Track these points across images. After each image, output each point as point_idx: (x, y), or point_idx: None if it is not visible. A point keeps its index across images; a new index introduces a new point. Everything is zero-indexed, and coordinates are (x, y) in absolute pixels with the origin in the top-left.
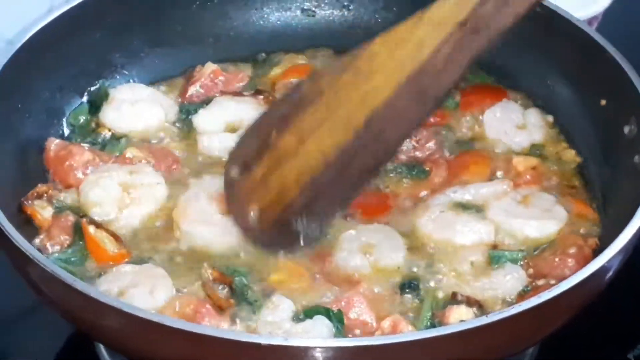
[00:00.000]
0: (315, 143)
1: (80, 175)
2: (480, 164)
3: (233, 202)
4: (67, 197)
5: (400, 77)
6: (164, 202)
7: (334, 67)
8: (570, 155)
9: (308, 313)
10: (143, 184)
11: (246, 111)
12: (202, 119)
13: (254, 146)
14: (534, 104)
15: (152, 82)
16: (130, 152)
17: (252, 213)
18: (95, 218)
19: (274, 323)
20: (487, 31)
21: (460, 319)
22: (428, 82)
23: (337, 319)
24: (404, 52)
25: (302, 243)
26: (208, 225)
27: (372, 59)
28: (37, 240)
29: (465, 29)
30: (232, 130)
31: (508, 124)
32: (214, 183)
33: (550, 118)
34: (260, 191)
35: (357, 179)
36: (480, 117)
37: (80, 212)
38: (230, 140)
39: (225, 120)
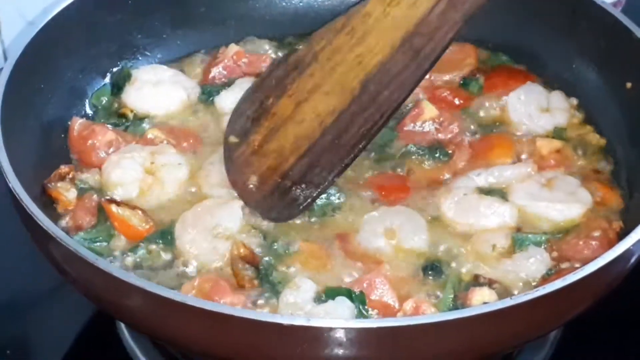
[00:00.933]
0: (312, 108)
1: (102, 155)
2: (503, 147)
3: (232, 168)
4: (89, 178)
5: (395, 37)
6: (185, 181)
7: (329, 28)
8: (595, 139)
9: (330, 294)
10: (165, 165)
11: None
12: (224, 100)
13: (251, 112)
14: (559, 87)
15: (174, 63)
16: (152, 133)
17: (251, 180)
18: (117, 198)
19: (296, 304)
20: None
21: (483, 301)
22: (422, 41)
23: (359, 300)
24: (397, 10)
25: (300, 209)
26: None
27: (366, 18)
28: (62, 222)
29: None
30: None
31: (532, 106)
32: None
33: (575, 101)
34: (259, 158)
35: (354, 144)
36: (504, 100)
37: (102, 193)
38: None
39: None
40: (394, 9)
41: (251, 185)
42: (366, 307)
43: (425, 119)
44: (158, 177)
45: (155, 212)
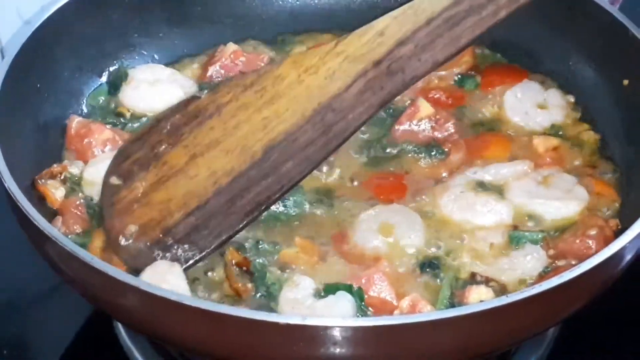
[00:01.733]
0: (207, 164)
1: (97, 153)
2: (500, 145)
3: (109, 213)
4: (77, 171)
5: (306, 107)
6: None
7: (237, 82)
8: (591, 136)
9: (329, 290)
10: None
11: None
12: None
13: (140, 155)
14: (555, 84)
15: (171, 62)
16: None
17: (128, 229)
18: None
19: (296, 300)
20: (402, 75)
21: (480, 299)
22: (335, 118)
23: (358, 295)
24: (313, 80)
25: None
26: None
27: (279, 81)
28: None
29: (380, 69)
30: None
31: (529, 104)
32: None
33: (572, 98)
34: (141, 207)
35: (247, 212)
36: (501, 98)
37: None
38: None
39: None
40: (309, 77)
41: (129, 236)
42: (364, 303)
43: (421, 117)
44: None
45: None
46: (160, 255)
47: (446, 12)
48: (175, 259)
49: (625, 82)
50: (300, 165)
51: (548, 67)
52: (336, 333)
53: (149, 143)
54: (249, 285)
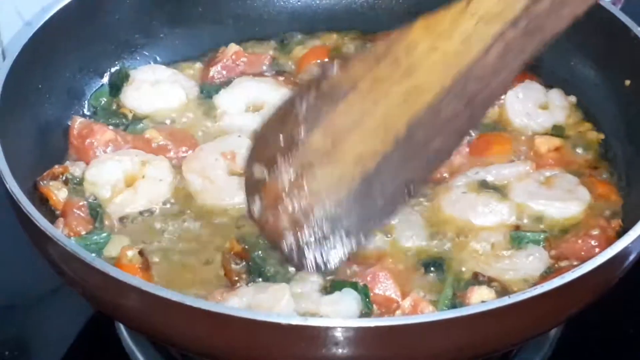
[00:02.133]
0: (351, 147)
1: (99, 153)
2: (501, 145)
3: (255, 203)
4: (78, 173)
5: (446, 77)
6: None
7: (367, 54)
8: (593, 136)
9: (336, 286)
10: (146, 177)
11: (267, 92)
12: (223, 99)
13: (279, 141)
14: (557, 85)
15: (172, 63)
16: (149, 134)
17: (281, 221)
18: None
19: (302, 294)
20: (541, 33)
21: (482, 299)
22: (477, 86)
23: (363, 292)
24: (449, 46)
25: (314, 267)
26: (205, 179)
27: (412, 49)
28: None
29: (518, 28)
30: (254, 110)
31: (530, 104)
32: (231, 143)
33: (573, 99)
34: (290, 197)
35: (397, 195)
36: (502, 98)
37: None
38: (252, 120)
39: (246, 100)
40: (444, 43)
41: (281, 227)
42: (369, 300)
43: None
44: (135, 187)
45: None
46: (311, 250)
47: None
48: (317, 255)
49: (627, 82)
50: (448, 141)
51: (549, 68)
52: (338, 334)
53: (287, 127)
54: (244, 275)
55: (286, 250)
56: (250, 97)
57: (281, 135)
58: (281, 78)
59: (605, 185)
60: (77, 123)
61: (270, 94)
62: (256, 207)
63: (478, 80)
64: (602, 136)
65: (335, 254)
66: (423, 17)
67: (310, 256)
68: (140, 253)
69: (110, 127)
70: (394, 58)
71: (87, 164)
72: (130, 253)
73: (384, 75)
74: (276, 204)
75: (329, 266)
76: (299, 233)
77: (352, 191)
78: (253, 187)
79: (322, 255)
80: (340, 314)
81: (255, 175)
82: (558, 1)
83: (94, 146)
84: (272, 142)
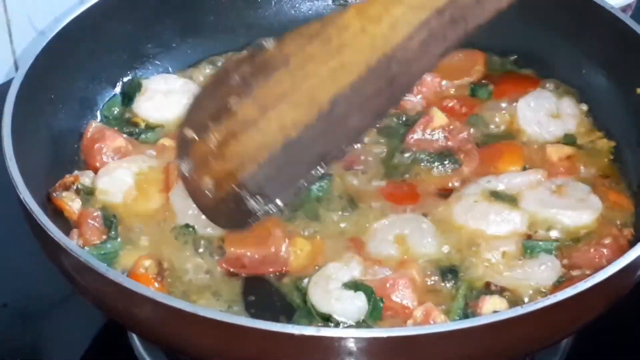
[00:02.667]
0: (277, 117)
1: (106, 159)
2: (513, 154)
3: (185, 164)
4: (86, 181)
5: (371, 57)
6: None
7: (302, 32)
8: (605, 144)
9: (353, 286)
10: (154, 182)
11: None
12: None
13: (212, 107)
14: (568, 93)
15: (184, 70)
16: (164, 142)
17: (205, 182)
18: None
19: (329, 277)
20: (464, 23)
21: (494, 309)
22: (398, 69)
23: (374, 304)
24: (377, 29)
25: (250, 222)
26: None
27: (343, 30)
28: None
29: (443, 17)
30: None
31: (542, 113)
32: None
33: (585, 107)
34: (217, 160)
35: (313, 163)
36: (514, 107)
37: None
38: None
39: None
40: (373, 26)
41: (205, 188)
42: (378, 310)
43: (435, 127)
44: (145, 191)
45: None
46: (237, 208)
47: None
48: (248, 210)
49: (638, 90)
50: (366, 118)
51: (561, 76)
52: (351, 344)
53: (220, 94)
54: None
55: (205, 206)
56: None
57: (214, 102)
58: None
59: (617, 193)
60: (92, 128)
61: None
62: (184, 167)
63: (400, 64)
64: (613, 144)
65: (264, 208)
66: (355, 5)
67: (225, 214)
68: (157, 263)
69: (125, 135)
70: (327, 37)
71: (95, 171)
72: (146, 263)
73: (315, 53)
74: (202, 165)
75: (242, 227)
76: (220, 192)
77: (273, 157)
78: (184, 147)
79: (239, 212)
80: (341, 313)
81: (186, 137)
82: None
83: (102, 151)
84: (205, 108)
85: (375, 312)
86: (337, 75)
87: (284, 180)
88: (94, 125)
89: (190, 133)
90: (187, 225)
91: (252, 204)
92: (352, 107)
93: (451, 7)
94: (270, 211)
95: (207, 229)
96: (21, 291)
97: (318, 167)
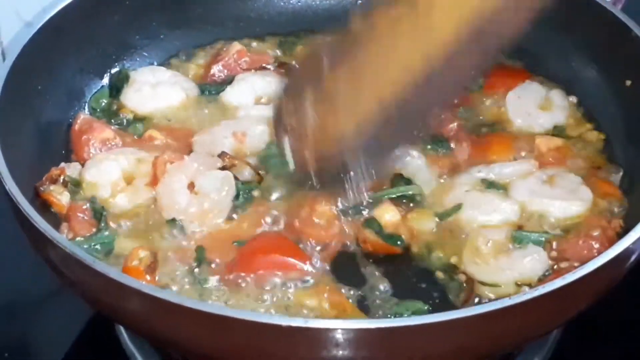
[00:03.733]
0: (371, 86)
1: (94, 151)
2: (503, 144)
3: (282, 132)
4: (73, 172)
5: (460, 17)
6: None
7: (387, 8)
8: (594, 136)
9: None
10: (145, 175)
11: (272, 84)
12: (232, 95)
13: (308, 79)
14: (558, 85)
15: (173, 59)
16: (150, 133)
17: (307, 152)
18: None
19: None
20: None
21: (480, 298)
22: (490, 29)
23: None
24: None
25: (352, 191)
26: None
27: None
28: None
29: None
30: (259, 103)
31: (531, 104)
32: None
33: (574, 99)
34: (316, 131)
35: (409, 128)
36: (503, 99)
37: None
38: (267, 110)
39: (254, 94)
40: None
41: (308, 157)
42: None
43: None
44: (134, 185)
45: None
46: (346, 177)
47: None
48: (346, 180)
49: (628, 82)
50: (457, 78)
51: (550, 68)
52: (339, 335)
53: (313, 71)
54: None
55: (307, 176)
56: (257, 90)
57: (308, 78)
58: (282, 70)
59: (607, 185)
60: (80, 119)
61: (275, 86)
62: (281, 136)
63: (492, 23)
64: (603, 136)
65: (354, 184)
66: None
67: (323, 182)
68: (152, 254)
69: (113, 127)
70: (412, 1)
71: (82, 163)
72: (142, 253)
73: (402, 16)
74: (302, 136)
75: (338, 192)
76: (321, 162)
77: (370, 125)
78: (284, 119)
79: (337, 180)
80: None
81: (286, 108)
82: None
83: (90, 143)
84: (300, 84)
85: None
86: (427, 37)
87: (381, 148)
88: (82, 117)
89: (289, 110)
90: (173, 220)
91: (350, 172)
92: (445, 67)
93: None
94: (367, 179)
95: (192, 224)
96: (8, 285)
97: (414, 133)
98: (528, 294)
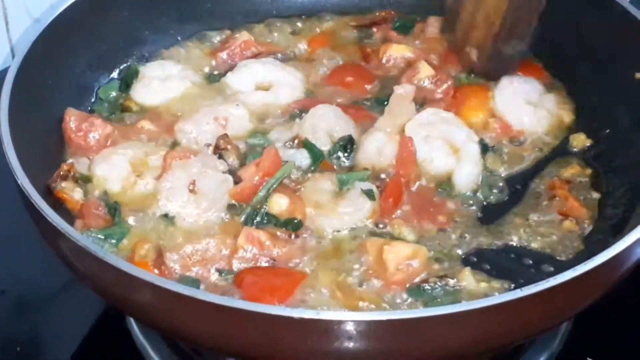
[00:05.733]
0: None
1: (95, 145)
2: (478, 98)
3: (456, 37)
4: (82, 169)
5: None
6: None
7: None
8: (580, 140)
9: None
10: (153, 168)
11: (273, 71)
12: (234, 80)
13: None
14: (559, 88)
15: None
16: (142, 124)
17: (472, 52)
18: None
19: None
20: None
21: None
22: None
23: None
24: None
25: (517, 60)
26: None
27: None
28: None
29: None
30: (261, 89)
31: (521, 97)
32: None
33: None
34: (471, 31)
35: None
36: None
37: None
38: (265, 97)
39: (255, 80)
40: None
41: (473, 56)
42: None
43: (421, 77)
44: (143, 177)
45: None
46: (500, 57)
47: None
48: (508, 54)
49: (638, 75)
50: None
51: (555, 68)
52: (350, 327)
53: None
54: None
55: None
56: (258, 77)
57: None
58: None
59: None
60: (73, 116)
61: (276, 73)
62: (448, 30)
63: None
64: (588, 142)
65: (520, 47)
66: None
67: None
68: (156, 248)
69: (109, 120)
70: None
71: (89, 159)
72: (145, 246)
73: None
74: (464, 36)
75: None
76: (484, 52)
77: (509, 7)
78: (450, 24)
79: (510, 52)
80: None
81: (451, 16)
82: None
83: (97, 141)
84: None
85: None
86: None
87: (521, 25)
88: (75, 113)
89: (452, 15)
90: (165, 215)
91: (508, 49)
92: None
93: None
94: (522, 50)
95: (185, 219)
96: (20, 280)
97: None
98: (539, 286)
